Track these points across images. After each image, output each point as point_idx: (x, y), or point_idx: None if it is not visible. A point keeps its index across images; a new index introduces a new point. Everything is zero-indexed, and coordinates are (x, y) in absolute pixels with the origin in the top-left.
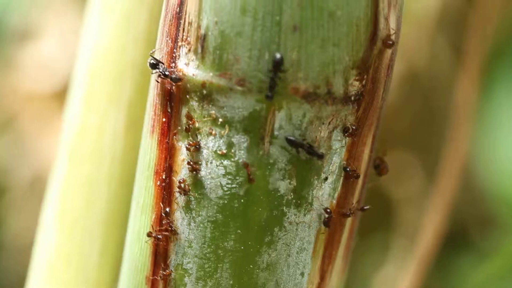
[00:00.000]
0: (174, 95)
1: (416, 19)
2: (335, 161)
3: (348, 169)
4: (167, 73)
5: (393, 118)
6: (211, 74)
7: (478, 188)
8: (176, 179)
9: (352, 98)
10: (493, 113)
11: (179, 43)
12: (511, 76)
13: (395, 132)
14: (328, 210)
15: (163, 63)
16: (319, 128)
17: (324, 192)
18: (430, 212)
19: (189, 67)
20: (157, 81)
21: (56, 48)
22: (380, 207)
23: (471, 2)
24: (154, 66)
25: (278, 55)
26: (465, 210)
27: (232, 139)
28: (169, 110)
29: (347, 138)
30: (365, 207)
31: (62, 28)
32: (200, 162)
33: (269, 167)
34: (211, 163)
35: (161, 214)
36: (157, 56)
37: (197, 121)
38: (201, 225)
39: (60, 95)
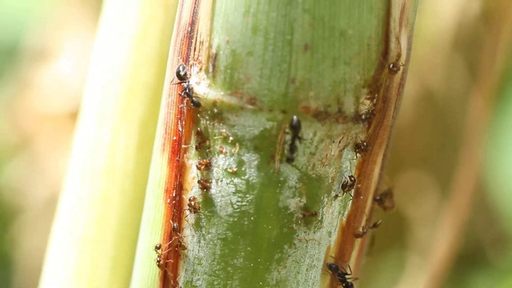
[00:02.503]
0: (185, 113)
1: (431, 39)
2: (345, 179)
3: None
4: (190, 93)
5: (408, 137)
6: (222, 93)
7: (493, 207)
8: (186, 197)
9: (363, 116)
10: (507, 132)
11: (190, 62)
12: None
13: (410, 151)
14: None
15: (189, 80)
16: (330, 146)
17: (334, 210)
18: (444, 230)
19: (200, 86)
20: (189, 103)
21: (72, 69)
22: (395, 225)
23: (486, 22)
24: (181, 77)
25: (295, 118)
26: (481, 229)
27: (243, 157)
28: (180, 129)
29: (358, 156)
30: (378, 223)
31: (78, 49)
32: (210, 180)
33: (279, 185)
34: (221, 181)
35: (170, 232)
36: (168, 74)
37: (207, 140)
38: (211, 243)
39: (76, 116)
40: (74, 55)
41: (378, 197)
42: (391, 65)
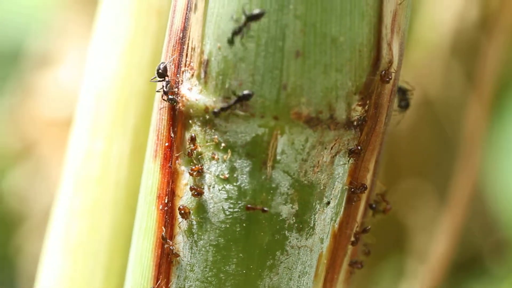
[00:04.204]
0: (177, 119)
1: (429, 46)
2: (337, 185)
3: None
4: (166, 90)
5: (406, 144)
6: (214, 99)
7: (491, 214)
8: (179, 203)
9: (355, 123)
10: (504, 139)
11: (182, 68)
12: None
13: (407, 158)
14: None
15: (169, 79)
16: (322, 153)
17: (326, 217)
18: (441, 237)
19: (192, 92)
20: (164, 99)
21: (75, 75)
22: (394, 233)
23: (483, 29)
24: (161, 75)
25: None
26: (478, 236)
27: (235, 164)
28: (172, 135)
29: (350, 162)
30: (367, 228)
31: (80, 54)
32: (202, 187)
33: (271, 191)
34: (213, 187)
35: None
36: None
37: (199, 146)
38: (203, 249)
39: None
40: (77, 61)
41: (373, 205)
42: (383, 72)
